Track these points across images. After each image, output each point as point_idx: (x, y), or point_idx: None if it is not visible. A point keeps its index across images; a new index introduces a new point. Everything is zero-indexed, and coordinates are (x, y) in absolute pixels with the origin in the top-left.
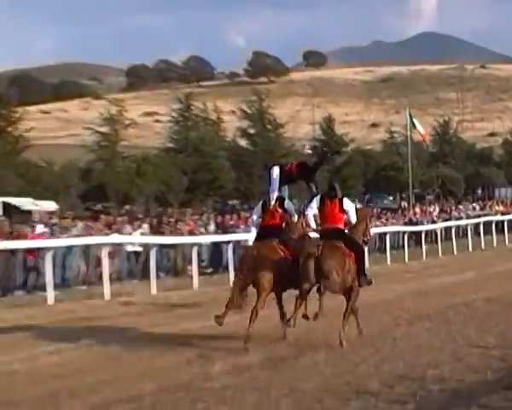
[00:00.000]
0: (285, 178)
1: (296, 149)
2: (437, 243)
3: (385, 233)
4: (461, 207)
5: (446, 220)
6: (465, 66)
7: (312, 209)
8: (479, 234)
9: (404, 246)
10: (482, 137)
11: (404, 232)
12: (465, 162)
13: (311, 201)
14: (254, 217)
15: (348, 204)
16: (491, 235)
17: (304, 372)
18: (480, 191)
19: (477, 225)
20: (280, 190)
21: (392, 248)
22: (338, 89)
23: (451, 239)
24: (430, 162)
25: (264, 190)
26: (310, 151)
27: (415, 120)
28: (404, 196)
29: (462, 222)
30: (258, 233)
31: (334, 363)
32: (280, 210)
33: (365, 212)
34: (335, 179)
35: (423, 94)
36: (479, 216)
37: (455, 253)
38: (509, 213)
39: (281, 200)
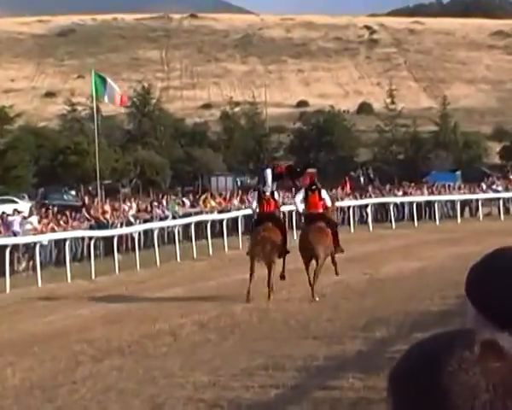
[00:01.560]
0: (275, 176)
1: None
2: (134, 251)
3: (64, 240)
4: (164, 202)
5: (147, 221)
6: (170, 15)
7: (300, 198)
8: (190, 239)
9: (89, 256)
10: (194, 110)
11: (90, 238)
12: (172, 143)
13: (297, 192)
14: (254, 203)
15: (324, 194)
16: (207, 239)
17: None
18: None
19: (187, 227)
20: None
21: (74, 259)
22: (0, 46)
23: (154, 246)
24: (126, 143)
25: None
26: None
27: (108, 80)
28: (90, 189)
29: (168, 223)
30: (257, 217)
31: None
32: (272, 200)
33: (334, 197)
34: (316, 176)
35: (115, 52)
36: (189, 215)
37: (158, 264)
38: (229, 211)
39: (272, 192)
